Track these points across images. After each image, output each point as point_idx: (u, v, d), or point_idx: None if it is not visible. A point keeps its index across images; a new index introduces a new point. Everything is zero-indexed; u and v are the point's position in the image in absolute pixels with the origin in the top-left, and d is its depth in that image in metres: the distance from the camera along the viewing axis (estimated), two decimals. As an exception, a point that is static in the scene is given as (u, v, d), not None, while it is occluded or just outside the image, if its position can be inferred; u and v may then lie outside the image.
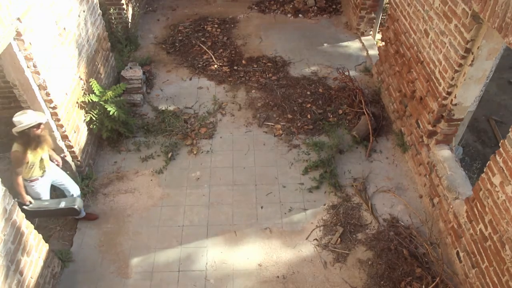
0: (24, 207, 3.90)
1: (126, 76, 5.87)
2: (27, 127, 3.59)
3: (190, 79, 6.51)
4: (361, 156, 5.32)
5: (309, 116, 5.80)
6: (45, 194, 4.14)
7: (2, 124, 5.38)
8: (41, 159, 3.88)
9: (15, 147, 3.69)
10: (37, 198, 4.06)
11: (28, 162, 3.76)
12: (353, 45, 7.29)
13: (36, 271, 3.61)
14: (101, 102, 4.97)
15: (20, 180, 3.79)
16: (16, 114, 3.59)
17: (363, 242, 4.39)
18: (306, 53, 7.06)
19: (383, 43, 6.10)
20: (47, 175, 4.06)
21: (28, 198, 3.94)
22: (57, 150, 4.47)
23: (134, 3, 7.34)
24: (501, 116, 6.30)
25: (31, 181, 3.95)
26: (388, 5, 6.29)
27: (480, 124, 6.18)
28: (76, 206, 4.08)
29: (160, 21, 7.92)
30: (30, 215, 3.95)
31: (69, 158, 4.61)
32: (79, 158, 4.72)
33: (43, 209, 4.00)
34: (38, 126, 3.67)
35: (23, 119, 3.57)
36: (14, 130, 3.61)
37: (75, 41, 4.64)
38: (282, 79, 6.47)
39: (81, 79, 4.83)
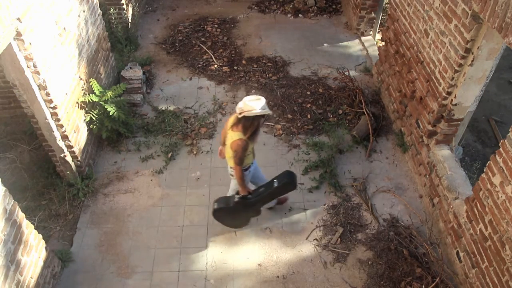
0: (245, 200, 3.92)
1: (126, 76, 5.87)
2: (258, 114, 3.51)
3: (190, 79, 6.51)
4: (361, 156, 5.32)
5: (309, 116, 5.80)
6: (259, 180, 4.12)
7: (2, 124, 5.38)
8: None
9: (239, 135, 3.58)
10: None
11: (247, 150, 3.68)
12: (353, 45, 7.29)
13: (36, 271, 3.60)
14: (101, 102, 4.97)
15: (241, 169, 3.72)
16: (251, 99, 3.51)
17: (363, 242, 4.39)
18: (306, 53, 7.06)
19: (383, 43, 6.11)
20: (255, 162, 4.01)
21: (249, 188, 3.91)
22: (57, 150, 4.47)
23: (134, 3, 7.34)
24: (501, 116, 6.30)
25: (245, 169, 3.87)
26: (388, 5, 6.29)
27: (480, 124, 6.17)
28: (290, 180, 3.97)
29: (160, 21, 7.92)
30: (254, 205, 4.01)
31: (69, 158, 4.61)
32: (79, 158, 4.72)
33: (264, 195, 3.97)
34: (263, 116, 3.63)
35: (257, 106, 3.49)
36: (247, 114, 3.50)
37: (75, 41, 4.64)
38: (282, 79, 6.47)
39: (81, 79, 4.83)
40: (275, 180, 4.00)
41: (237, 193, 4.04)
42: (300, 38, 7.44)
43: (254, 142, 3.80)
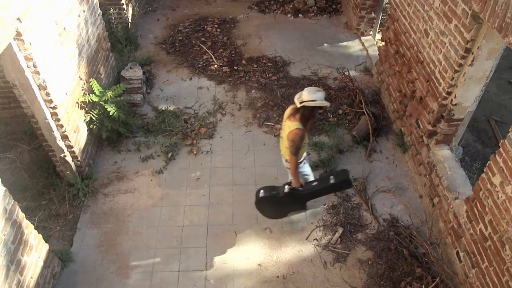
0: (296, 191, 3.97)
1: (126, 76, 5.87)
2: (318, 105, 3.57)
3: (190, 79, 6.51)
4: (361, 156, 5.32)
5: (309, 116, 5.79)
6: (311, 174, 4.19)
7: (2, 124, 5.38)
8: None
9: (297, 125, 3.64)
10: (302, 178, 4.07)
11: (303, 140, 3.75)
12: (353, 45, 7.29)
13: (36, 271, 3.61)
14: (101, 102, 4.97)
15: (297, 160, 3.77)
16: (312, 89, 3.58)
17: (363, 242, 4.39)
18: (306, 53, 7.06)
19: (383, 43, 6.11)
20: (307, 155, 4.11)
21: (301, 181, 3.95)
22: (57, 150, 4.47)
23: (134, 3, 7.34)
24: (501, 116, 6.30)
25: (299, 162, 3.93)
26: (388, 5, 6.29)
27: (480, 124, 6.17)
28: (349, 178, 4.00)
29: (160, 21, 7.92)
30: (302, 198, 4.07)
31: (69, 158, 4.61)
32: (79, 158, 4.72)
33: (316, 189, 4.02)
34: (321, 107, 3.71)
35: (318, 97, 3.54)
36: (307, 104, 3.55)
37: (75, 41, 4.64)
38: (282, 79, 6.47)
39: (81, 79, 4.83)
40: (331, 177, 4.02)
41: (288, 183, 4.05)
42: (300, 38, 7.44)
43: (309, 133, 3.89)
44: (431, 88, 4.54)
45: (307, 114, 3.63)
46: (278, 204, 4.16)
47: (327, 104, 3.65)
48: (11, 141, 5.25)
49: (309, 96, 3.55)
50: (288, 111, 3.83)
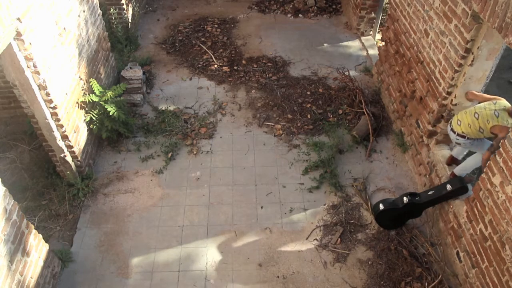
0: (415, 201, 4.17)
1: (126, 76, 5.87)
2: None
3: (190, 79, 6.51)
4: (361, 156, 5.32)
5: (309, 116, 5.80)
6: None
7: (2, 124, 5.38)
8: None
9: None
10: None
11: None
12: (353, 45, 7.29)
13: (36, 271, 3.61)
14: (101, 102, 4.97)
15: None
16: None
17: (363, 242, 4.39)
18: (306, 53, 7.06)
19: (383, 43, 6.11)
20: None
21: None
22: (57, 150, 4.47)
23: (134, 3, 7.34)
24: (501, 116, 6.29)
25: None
26: (388, 5, 6.29)
27: (480, 124, 6.16)
28: (464, 184, 4.06)
29: (160, 21, 7.92)
30: (420, 207, 4.23)
31: (69, 158, 4.61)
32: (79, 158, 4.72)
33: (433, 198, 4.14)
34: None
35: None
36: None
37: (75, 41, 4.64)
38: (282, 79, 6.47)
39: (81, 79, 4.83)
40: (447, 185, 4.10)
41: (406, 194, 4.20)
42: (300, 38, 7.44)
43: None
44: (431, 88, 4.54)
45: None
46: (396, 214, 4.28)
47: None
48: (11, 141, 5.25)
49: None
50: (505, 103, 3.82)
